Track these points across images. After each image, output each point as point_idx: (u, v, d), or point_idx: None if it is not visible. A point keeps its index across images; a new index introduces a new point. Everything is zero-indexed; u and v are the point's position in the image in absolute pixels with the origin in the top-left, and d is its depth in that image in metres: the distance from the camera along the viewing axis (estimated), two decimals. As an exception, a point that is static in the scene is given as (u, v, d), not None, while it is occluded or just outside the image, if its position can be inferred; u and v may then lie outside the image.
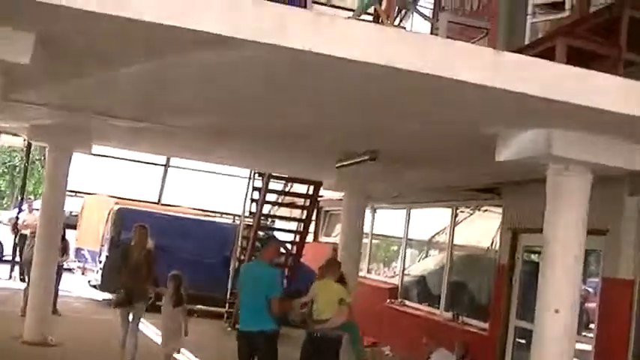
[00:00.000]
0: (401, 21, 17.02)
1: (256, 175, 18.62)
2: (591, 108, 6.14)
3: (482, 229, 14.80)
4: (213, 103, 9.03)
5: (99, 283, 18.77)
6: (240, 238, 18.52)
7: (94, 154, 16.82)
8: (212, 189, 25.35)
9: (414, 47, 5.73)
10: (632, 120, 6.31)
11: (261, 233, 18.20)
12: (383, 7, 14.31)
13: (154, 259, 11.80)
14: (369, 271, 19.28)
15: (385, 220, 19.65)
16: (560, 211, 7.47)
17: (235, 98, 8.43)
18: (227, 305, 17.67)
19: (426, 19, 14.55)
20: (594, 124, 6.75)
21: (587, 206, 7.43)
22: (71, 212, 25.18)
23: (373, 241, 19.69)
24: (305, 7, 9.75)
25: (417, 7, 15.07)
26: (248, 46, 5.56)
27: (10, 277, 20.37)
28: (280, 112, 8.86)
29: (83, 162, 20.79)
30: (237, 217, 20.97)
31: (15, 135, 17.54)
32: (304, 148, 11.81)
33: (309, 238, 21.09)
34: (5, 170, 42.20)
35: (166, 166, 25.08)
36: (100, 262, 19.15)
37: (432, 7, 15.11)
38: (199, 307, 17.31)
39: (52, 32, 6.09)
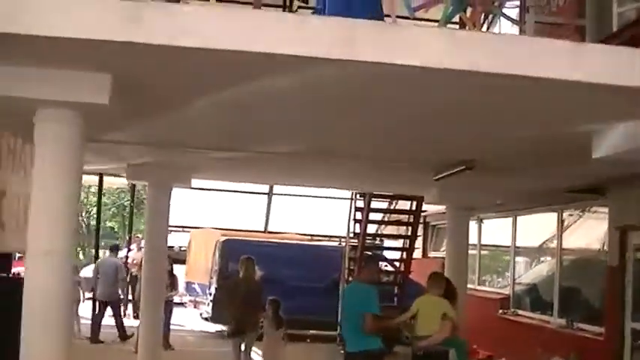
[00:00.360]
0: (489, 27, 16.85)
1: (357, 195, 18.57)
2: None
3: (591, 230, 14.44)
4: (300, 127, 8.98)
5: (210, 315, 18.98)
6: (346, 260, 18.49)
7: (197, 188, 17.03)
8: (316, 213, 25.36)
9: (494, 49, 5.56)
10: None
11: (368, 253, 18.14)
12: (468, 14, 14.13)
13: (262, 289, 12.02)
14: (479, 283, 19.01)
15: (492, 230, 19.35)
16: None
17: (322, 120, 8.35)
18: (338, 328, 17.60)
19: (513, 22, 14.32)
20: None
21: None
22: (180, 247, 25.60)
23: (482, 251, 19.38)
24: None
25: (503, 11, 14.91)
26: (323, 65, 5.50)
27: (125, 314, 20.72)
28: (371, 129, 8.75)
29: (188, 197, 21.09)
30: (342, 240, 20.94)
31: (118, 176, 17.86)
32: (401, 163, 11.66)
33: (418, 254, 20.94)
34: (115, 211, 43.11)
35: (270, 194, 25.22)
36: (210, 294, 19.36)
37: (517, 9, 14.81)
38: (311, 332, 17.32)
39: (129, 71, 6.13)
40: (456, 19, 14.08)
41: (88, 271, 20.53)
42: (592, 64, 5.65)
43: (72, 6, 5.31)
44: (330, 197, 23.64)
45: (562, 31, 12.72)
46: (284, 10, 7.96)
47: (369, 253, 18.27)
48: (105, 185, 25.84)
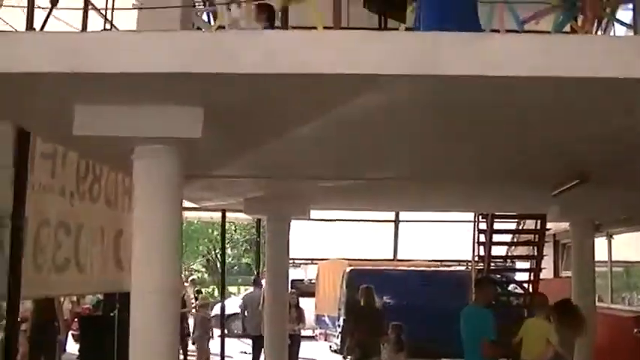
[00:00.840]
0: (604, 32, 16.42)
1: (480, 217, 18.30)
2: None
3: None
4: (412, 151, 8.87)
5: (339, 347, 18.94)
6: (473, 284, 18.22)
7: (321, 220, 17.07)
8: (444, 238, 25.10)
9: (576, 51, 5.32)
10: None
11: (497, 276, 17.89)
12: (580, 22, 13.84)
13: (383, 315, 12.15)
14: (612, 301, 18.38)
15: (624, 245, 18.70)
16: None
17: (431, 142, 8.21)
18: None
19: (627, 26, 13.95)
20: None
21: None
22: (310, 280, 25.69)
23: (613, 268, 18.74)
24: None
25: (617, 16, 14.53)
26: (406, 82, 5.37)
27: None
28: (478, 145, 8.54)
29: (316, 229, 21.15)
30: (469, 263, 20.65)
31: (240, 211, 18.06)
32: (516, 181, 11.38)
33: (549, 273, 20.48)
34: (248, 247, 43.72)
35: (396, 221, 25.12)
36: (339, 326, 19.32)
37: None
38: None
39: (222, 102, 6.12)
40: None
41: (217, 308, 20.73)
42: None
43: (153, 42, 5.35)
44: (456, 221, 23.37)
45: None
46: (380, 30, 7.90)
47: (498, 275, 18.03)
48: (235, 221, 26.14)
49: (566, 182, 10.47)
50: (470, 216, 20.67)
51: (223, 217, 19.80)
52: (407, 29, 10.73)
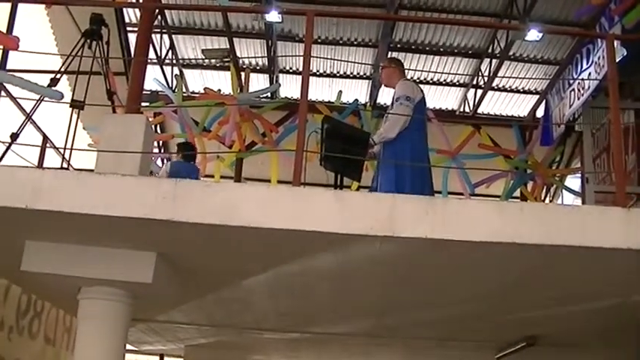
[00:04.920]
0: (551, 199, 16.76)
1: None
2: None
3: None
4: (354, 306, 8.79)
5: None
6: None
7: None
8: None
9: (533, 219, 5.42)
10: None
11: None
12: (529, 188, 14.12)
13: None
14: None
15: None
16: None
17: (376, 299, 8.18)
18: None
19: (574, 193, 14.24)
20: None
21: None
22: None
23: None
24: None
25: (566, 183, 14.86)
26: (366, 242, 5.41)
27: None
28: (429, 308, 8.54)
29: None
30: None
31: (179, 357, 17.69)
32: (464, 342, 11.33)
33: None
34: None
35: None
36: None
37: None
38: None
39: (173, 250, 6.09)
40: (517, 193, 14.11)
41: None
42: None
43: (113, 184, 5.34)
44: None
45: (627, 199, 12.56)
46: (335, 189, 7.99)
47: None
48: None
49: (513, 345, 10.44)
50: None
51: (161, 361, 19.39)
52: (359, 188, 10.91)
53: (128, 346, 13.55)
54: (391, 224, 5.23)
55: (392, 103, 8.60)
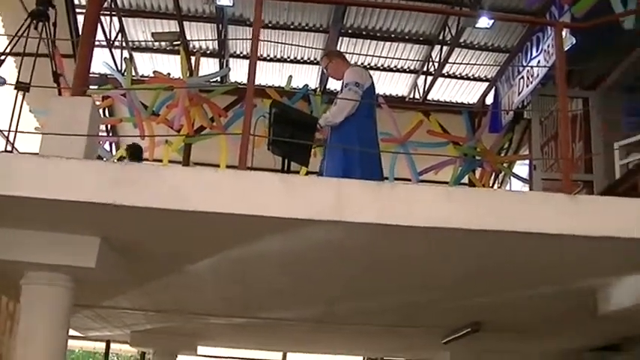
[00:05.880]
0: (499, 186, 16.88)
1: (369, 361, 18.26)
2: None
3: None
4: (304, 294, 8.77)
5: None
6: None
7: (205, 356, 16.71)
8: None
9: (479, 205, 5.43)
10: None
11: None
12: (477, 174, 14.18)
13: None
14: None
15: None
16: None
17: (324, 286, 8.16)
18: None
19: (522, 180, 14.34)
20: None
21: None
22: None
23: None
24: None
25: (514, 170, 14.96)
26: (313, 226, 5.38)
27: None
28: (376, 293, 8.52)
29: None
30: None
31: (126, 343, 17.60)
32: (410, 327, 11.36)
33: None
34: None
35: (283, 362, 24.79)
36: None
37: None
38: None
39: (117, 234, 6.01)
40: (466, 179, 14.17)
41: None
42: (588, 216, 5.51)
43: (57, 167, 5.26)
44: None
45: (574, 187, 12.70)
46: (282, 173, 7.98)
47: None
48: (119, 352, 25.40)
49: (458, 331, 10.50)
50: (359, 359, 20.56)
51: (107, 347, 19.27)
52: (308, 173, 10.89)
53: (74, 333, 13.46)
54: (338, 209, 5.21)
55: (341, 89, 8.60)
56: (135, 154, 11.71)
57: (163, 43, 16.74)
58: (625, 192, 6.73)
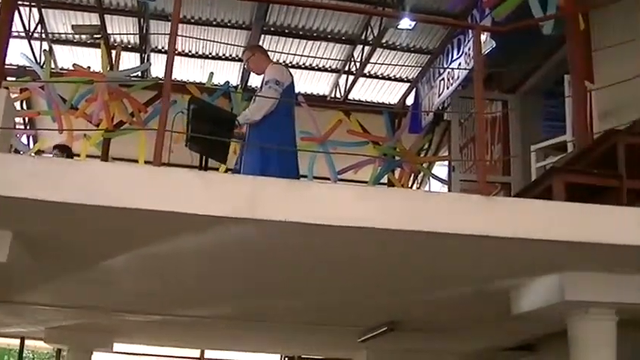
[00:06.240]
0: (418, 186, 17.01)
1: (286, 359, 18.26)
2: (601, 244, 5.81)
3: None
4: (220, 290, 8.73)
5: None
6: None
7: (125, 353, 16.56)
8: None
9: (393, 204, 5.47)
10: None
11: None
12: (397, 174, 14.28)
13: None
14: None
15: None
16: (587, 359, 6.98)
17: (239, 281, 8.12)
18: None
19: (440, 181, 14.48)
20: (609, 261, 6.35)
21: (614, 351, 6.94)
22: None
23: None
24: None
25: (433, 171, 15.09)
26: (229, 224, 5.36)
27: None
28: (292, 290, 8.51)
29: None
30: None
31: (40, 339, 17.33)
32: (327, 326, 11.38)
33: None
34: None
35: (201, 358, 24.64)
36: None
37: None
38: None
39: (31, 228, 5.92)
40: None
41: None
42: (502, 218, 5.59)
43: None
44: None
45: (491, 188, 12.88)
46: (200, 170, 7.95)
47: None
48: (34, 349, 25.03)
49: (375, 330, 10.55)
50: (276, 357, 20.56)
51: (22, 344, 18.98)
52: (227, 170, 10.85)
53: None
54: (252, 207, 5.20)
55: (261, 86, 8.59)
56: (68, 155, 11.55)
57: (84, 36, 16.52)
58: (540, 194, 6.81)
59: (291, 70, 9.90)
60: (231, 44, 16.57)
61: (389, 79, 17.97)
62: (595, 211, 5.94)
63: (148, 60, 17.19)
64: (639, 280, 6.74)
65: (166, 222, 5.54)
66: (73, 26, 16.09)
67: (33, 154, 13.99)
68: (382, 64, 17.07)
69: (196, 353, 23.91)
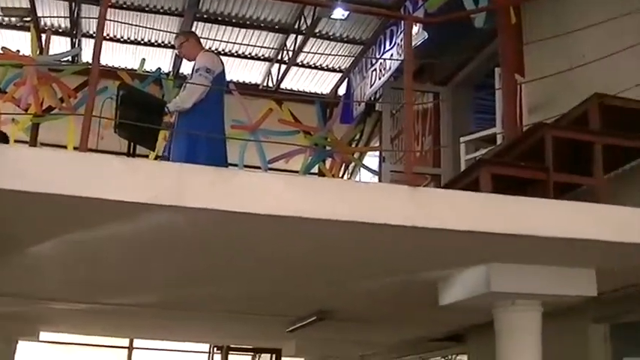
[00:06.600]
0: (350, 177, 17.03)
1: (215, 349, 18.21)
2: (527, 236, 5.85)
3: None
4: (149, 278, 8.63)
5: None
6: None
7: (49, 342, 16.35)
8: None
9: (321, 194, 5.46)
10: (573, 243, 6.01)
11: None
12: (327, 164, 14.26)
13: None
14: None
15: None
16: (513, 349, 7.06)
17: (166, 269, 8.03)
18: None
19: (371, 171, 14.49)
20: (535, 253, 6.42)
21: (540, 341, 7.02)
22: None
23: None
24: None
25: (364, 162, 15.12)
26: (154, 211, 5.30)
27: None
28: (221, 278, 8.46)
29: (46, 352, 20.20)
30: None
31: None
32: (257, 315, 11.35)
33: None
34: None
35: (130, 348, 24.48)
36: None
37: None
38: None
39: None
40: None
41: None
42: (428, 209, 5.61)
43: None
44: (191, 351, 23.03)
45: (421, 179, 12.96)
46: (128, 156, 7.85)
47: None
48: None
49: (304, 319, 10.56)
50: (206, 347, 20.49)
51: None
52: (157, 158, 10.75)
53: None
54: (178, 194, 5.14)
55: (191, 74, 8.54)
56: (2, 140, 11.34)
57: (13, 19, 16.25)
58: (467, 186, 6.85)
59: (224, 58, 9.85)
60: (163, 30, 16.42)
61: (321, 68, 17.97)
62: (521, 203, 5.98)
63: (78, 45, 16.97)
64: (564, 271, 6.83)
65: (92, 208, 5.45)
66: (1, 9, 15.82)
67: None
68: (315, 53, 17.06)
69: (125, 342, 23.78)
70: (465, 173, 7.47)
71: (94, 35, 16.41)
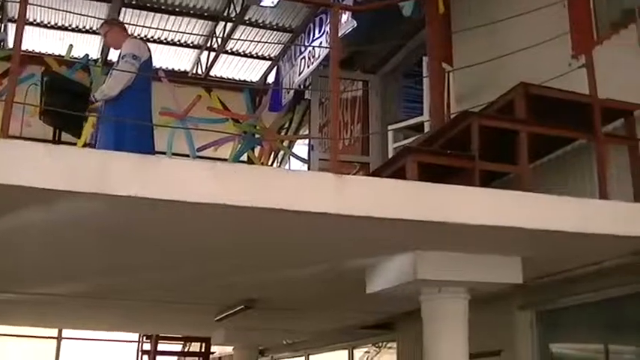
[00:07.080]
0: (279, 164, 17.04)
1: (145, 338, 18.11)
2: (452, 224, 5.89)
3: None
4: (72, 266, 8.50)
5: None
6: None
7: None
8: (108, 357, 24.43)
9: (245, 181, 5.43)
10: (498, 231, 6.08)
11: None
12: (257, 152, 14.26)
13: None
14: None
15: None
16: (439, 336, 7.13)
17: (90, 258, 7.93)
18: None
19: (300, 159, 14.53)
20: (461, 240, 6.48)
21: (466, 328, 7.09)
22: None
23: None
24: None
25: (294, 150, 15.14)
26: (75, 198, 5.21)
27: None
28: (147, 267, 8.37)
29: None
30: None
31: None
32: (185, 304, 11.28)
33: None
34: None
35: (59, 338, 24.21)
36: None
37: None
38: None
39: None
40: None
41: None
42: (353, 196, 5.61)
43: None
44: (121, 341, 22.88)
45: (349, 168, 13.01)
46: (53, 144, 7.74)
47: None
48: None
49: (231, 308, 10.53)
50: (135, 336, 20.36)
51: None
52: (84, 145, 10.62)
53: None
54: (101, 181, 5.07)
55: (117, 61, 8.45)
56: None
57: None
58: (393, 174, 6.89)
59: (152, 45, 9.76)
60: (91, 16, 16.18)
61: (251, 56, 17.90)
62: (446, 190, 6.02)
63: (4, 30, 16.68)
64: (490, 259, 6.91)
65: (13, 196, 5.35)
66: None
67: None
68: (245, 40, 16.98)
69: (54, 333, 23.52)
70: (392, 161, 7.49)
71: (20, 21, 16.13)
